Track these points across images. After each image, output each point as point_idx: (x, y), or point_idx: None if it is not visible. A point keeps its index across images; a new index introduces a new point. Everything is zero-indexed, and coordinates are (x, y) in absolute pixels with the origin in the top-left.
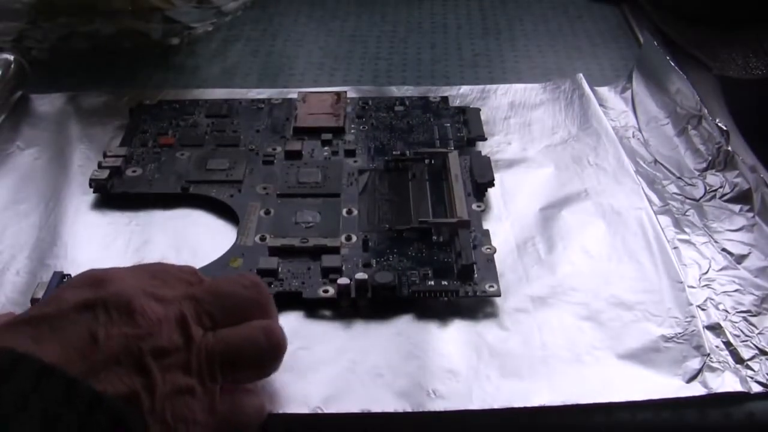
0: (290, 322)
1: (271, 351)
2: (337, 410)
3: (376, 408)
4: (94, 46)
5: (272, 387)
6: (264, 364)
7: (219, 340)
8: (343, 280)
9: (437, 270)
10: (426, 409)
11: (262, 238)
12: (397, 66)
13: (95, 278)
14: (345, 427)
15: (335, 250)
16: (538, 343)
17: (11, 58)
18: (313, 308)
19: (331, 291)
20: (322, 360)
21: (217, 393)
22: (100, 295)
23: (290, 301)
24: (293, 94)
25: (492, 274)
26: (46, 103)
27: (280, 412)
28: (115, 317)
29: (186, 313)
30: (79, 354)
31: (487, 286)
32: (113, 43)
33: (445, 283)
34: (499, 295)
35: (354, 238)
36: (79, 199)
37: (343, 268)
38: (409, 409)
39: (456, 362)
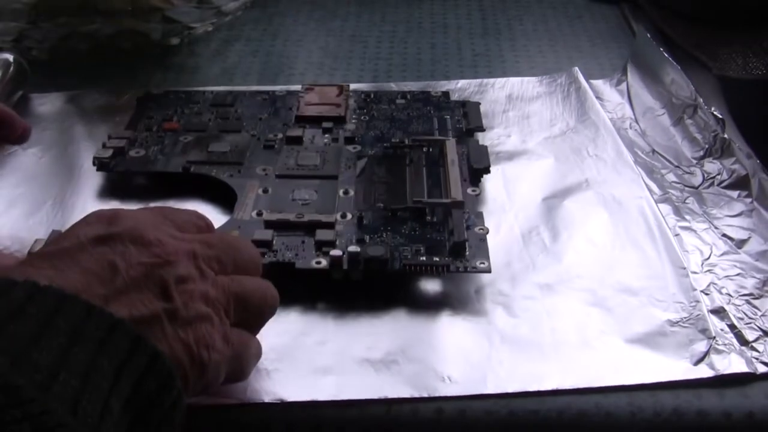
0: (301, 316)
1: (271, 308)
2: (355, 396)
3: (393, 394)
4: (94, 46)
5: (288, 376)
6: (263, 317)
7: (233, 280)
8: (335, 252)
9: (429, 247)
10: (441, 395)
11: (259, 213)
12: (397, 66)
13: (107, 216)
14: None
15: (330, 226)
16: (548, 329)
17: (11, 58)
18: (305, 280)
19: (324, 262)
20: (336, 350)
21: (229, 326)
22: (114, 230)
23: (283, 272)
24: (295, 89)
25: (483, 252)
26: (47, 103)
27: (297, 400)
28: (131, 249)
29: (198, 252)
30: (99, 281)
31: (478, 263)
32: (113, 43)
33: (437, 258)
34: (490, 272)
35: (349, 216)
36: (86, 195)
37: (337, 242)
38: (425, 395)
39: (468, 348)
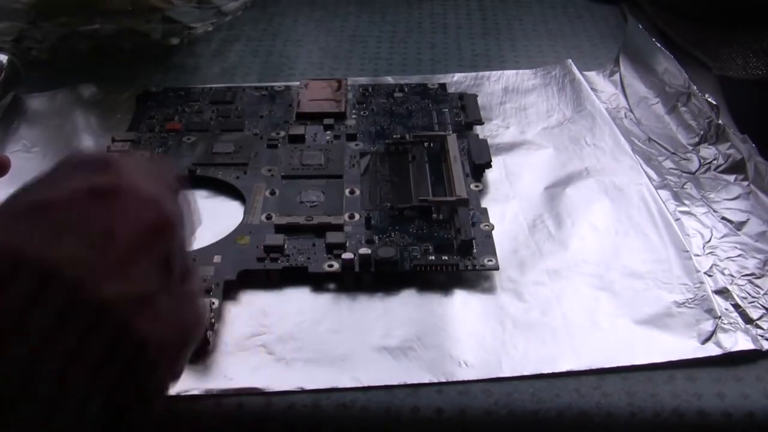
0: (311, 305)
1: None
2: (374, 383)
3: (412, 380)
4: (94, 46)
5: (306, 366)
6: None
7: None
8: (347, 255)
9: (437, 246)
10: (459, 379)
11: (268, 217)
12: (397, 66)
13: (98, 162)
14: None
15: (339, 228)
16: (558, 314)
17: (4, 59)
18: (318, 282)
19: (336, 266)
20: (352, 338)
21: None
22: (111, 182)
23: (296, 275)
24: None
25: (490, 249)
26: (47, 101)
27: (315, 388)
28: (130, 208)
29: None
30: (92, 251)
31: (485, 260)
32: (113, 43)
33: (446, 257)
34: (498, 269)
35: (357, 216)
36: None
37: (347, 244)
38: (443, 380)
39: (482, 334)
